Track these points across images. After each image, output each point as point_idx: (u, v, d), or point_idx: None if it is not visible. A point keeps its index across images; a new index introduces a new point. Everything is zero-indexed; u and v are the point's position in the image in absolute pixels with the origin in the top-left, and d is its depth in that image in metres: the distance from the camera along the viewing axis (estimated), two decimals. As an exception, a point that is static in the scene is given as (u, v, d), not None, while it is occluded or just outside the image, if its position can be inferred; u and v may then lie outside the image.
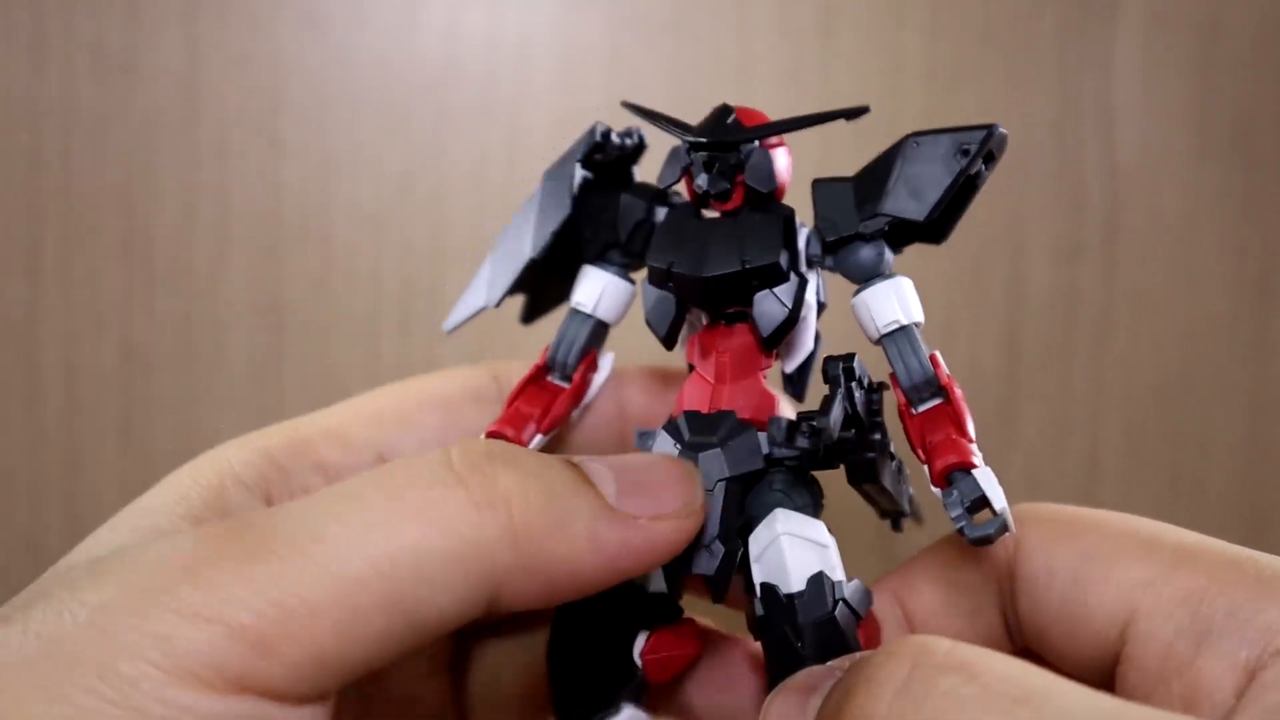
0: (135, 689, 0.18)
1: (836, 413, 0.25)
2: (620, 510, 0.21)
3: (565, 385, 0.29)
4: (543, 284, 0.32)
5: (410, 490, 0.20)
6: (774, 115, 0.28)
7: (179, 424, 0.53)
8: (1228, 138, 0.56)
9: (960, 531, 0.24)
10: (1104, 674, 0.24)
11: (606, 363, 0.31)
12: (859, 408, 0.26)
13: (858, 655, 0.22)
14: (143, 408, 0.54)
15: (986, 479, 0.24)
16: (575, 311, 0.30)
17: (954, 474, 0.24)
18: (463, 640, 0.31)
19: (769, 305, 0.26)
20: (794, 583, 0.24)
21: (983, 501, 0.24)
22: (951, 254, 0.56)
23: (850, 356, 0.26)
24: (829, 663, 0.23)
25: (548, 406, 0.29)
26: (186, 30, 0.53)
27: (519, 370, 0.30)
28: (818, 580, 0.24)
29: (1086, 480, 0.57)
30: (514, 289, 0.30)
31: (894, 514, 0.30)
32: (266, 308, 0.54)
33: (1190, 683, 0.21)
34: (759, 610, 0.25)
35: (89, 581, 0.19)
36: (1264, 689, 0.20)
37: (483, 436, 0.27)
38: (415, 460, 0.21)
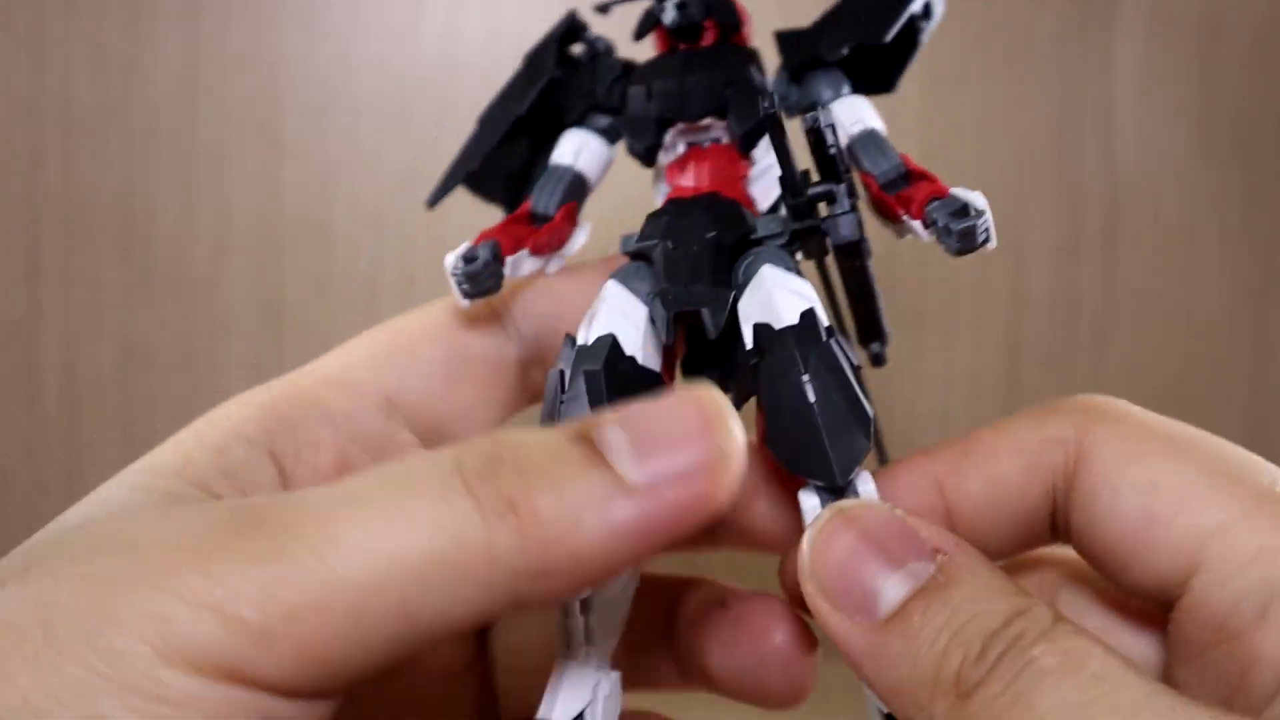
0: (128, 665, 0.17)
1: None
2: (638, 484, 0.19)
3: None
4: (518, 197, 0.32)
5: (419, 497, 0.19)
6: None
7: (179, 424, 0.53)
8: (1228, 138, 0.56)
9: (946, 230, 0.24)
10: (1157, 604, 0.22)
11: (585, 229, 0.31)
12: (837, 155, 0.25)
13: (930, 545, 0.20)
14: (143, 408, 0.54)
15: (964, 192, 0.25)
16: (554, 165, 0.31)
17: (931, 202, 0.25)
18: None
19: (746, 104, 0.27)
20: (786, 319, 0.24)
21: (965, 210, 0.25)
22: (951, 256, 0.56)
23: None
24: (894, 510, 0.21)
25: (532, 234, 0.29)
26: (186, 30, 0.53)
27: (508, 295, 0.30)
28: (810, 314, 0.24)
29: (1086, 481, 0.57)
30: (495, 174, 0.31)
31: (875, 330, 0.30)
32: (266, 308, 0.54)
33: (1249, 650, 0.20)
34: (752, 355, 0.24)
35: (89, 555, 0.19)
36: None
37: (468, 242, 0.28)
38: (422, 463, 0.20)
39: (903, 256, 0.53)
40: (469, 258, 0.27)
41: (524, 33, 0.55)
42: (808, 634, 0.27)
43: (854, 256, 0.27)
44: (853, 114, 0.28)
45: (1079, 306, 0.56)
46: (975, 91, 0.55)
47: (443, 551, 0.19)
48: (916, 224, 0.26)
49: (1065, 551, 0.25)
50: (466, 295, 0.27)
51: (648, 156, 0.29)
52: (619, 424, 0.20)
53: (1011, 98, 0.55)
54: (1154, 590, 0.22)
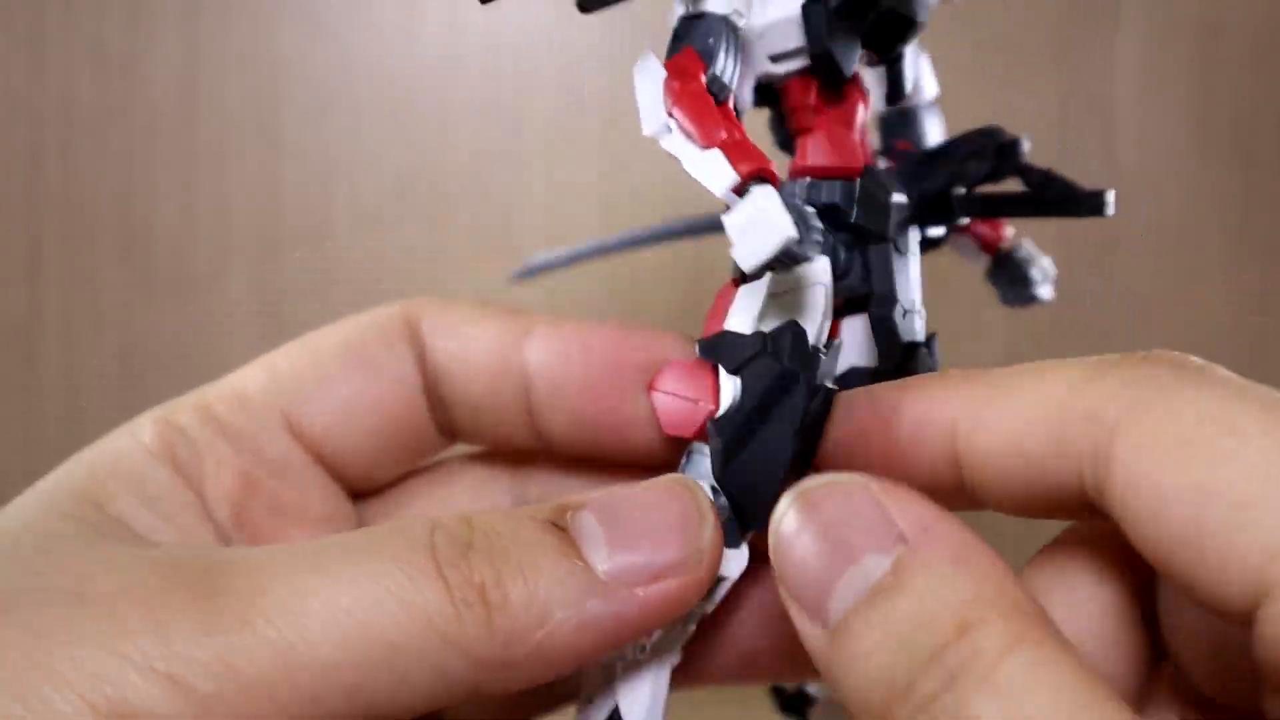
0: None
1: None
2: (611, 581, 0.19)
3: None
4: None
5: (388, 575, 0.18)
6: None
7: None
8: (1228, 139, 0.56)
9: (1027, 282, 0.25)
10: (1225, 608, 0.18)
11: None
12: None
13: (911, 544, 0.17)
14: (143, 408, 0.54)
15: (1035, 250, 0.26)
16: (720, 19, 0.22)
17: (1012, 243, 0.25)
18: None
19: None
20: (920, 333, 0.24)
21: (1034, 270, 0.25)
22: (951, 255, 0.56)
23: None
24: (867, 485, 0.18)
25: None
26: (186, 30, 0.53)
27: (432, 308, 0.27)
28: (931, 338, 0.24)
29: (1086, 481, 0.57)
30: None
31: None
32: (266, 308, 0.54)
33: None
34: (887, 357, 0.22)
35: (32, 604, 0.18)
36: None
37: (743, 182, 0.20)
38: (391, 536, 0.19)
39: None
40: (805, 234, 0.20)
41: (524, 32, 0.55)
42: None
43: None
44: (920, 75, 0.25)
45: (1079, 307, 0.56)
46: (975, 91, 0.55)
47: (408, 636, 0.18)
48: (972, 244, 0.24)
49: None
50: (767, 269, 0.20)
51: (836, 78, 0.22)
52: (596, 511, 0.20)
53: (1012, 97, 0.55)
54: (1212, 605, 0.18)
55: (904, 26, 0.23)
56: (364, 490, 0.26)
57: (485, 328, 0.26)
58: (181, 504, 0.23)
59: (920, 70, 0.25)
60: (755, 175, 0.19)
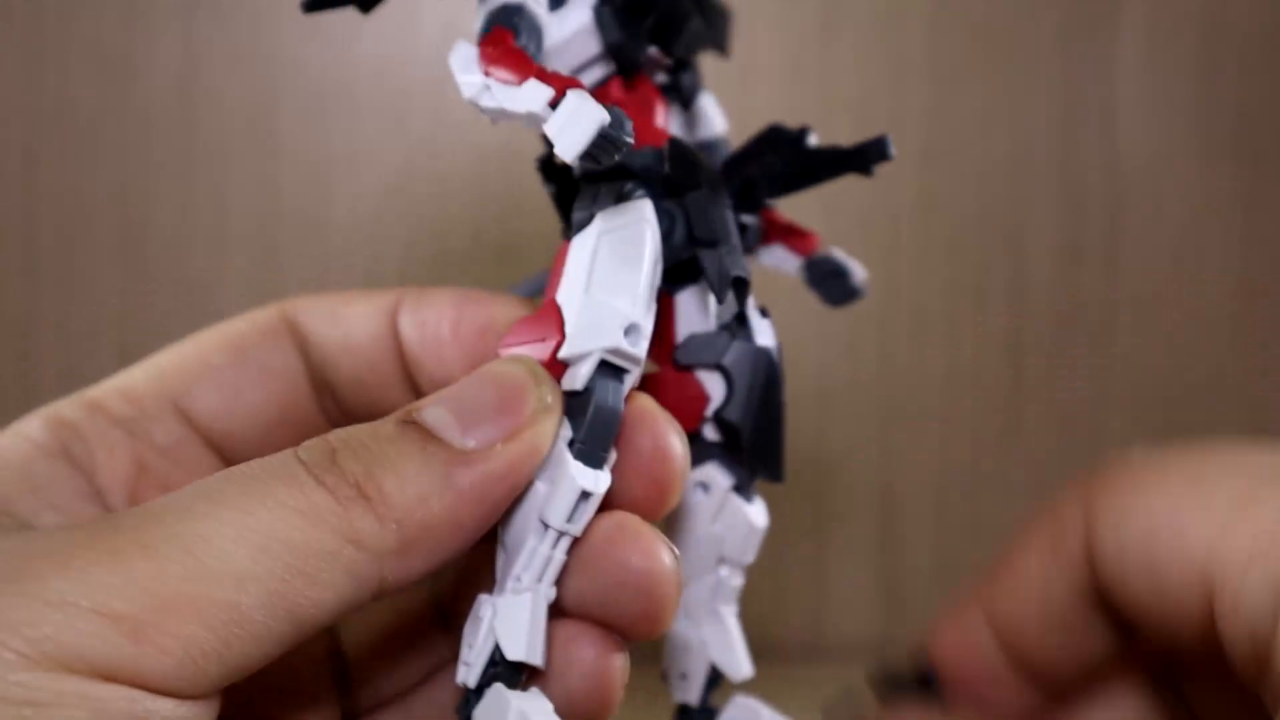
0: None
1: None
2: (471, 449, 0.21)
3: None
4: None
5: (274, 490, 0.20)
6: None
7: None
8: (1230, 136, 0.56)
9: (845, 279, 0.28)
10: (1208, 643, 0.21)
11: None
12: None
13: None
14: (140, 409, 0.54)
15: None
16: (517, 6, 0.24)
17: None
18: None
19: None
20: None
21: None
22: (953, 256, 0.56)
23: None
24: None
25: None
26: (184, 29, 0.53)
27: (305, 301, 0.28)
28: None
29: (1089, 482, 0.57)
30: None
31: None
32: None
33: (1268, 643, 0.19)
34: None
35: None
36: None
37: (587, 98, 0.21)
38: (263, 462, 0.20)
39: (903, 254, 0.53)
40: (619, 123, 0.21)
41: (524, 32, 0.55)
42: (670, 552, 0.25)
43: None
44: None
45: (1081, 308, 0.56)
46: (977, 90, 0.55)
47: (310, 537, 0.19)
48: (784, 252, 0.28)
49: None
50: (591, 159, 0.21)
51: (631, 66, 0.24)
52: (442, 401, 0.22)
53: (1014, 96, 0.55)
54: (1191, 631, 0.21)
55: (680, 21, 0.25)
56: None
57: (359, 308, 0.27)
58: (71, 491, 0.23)
59: (708, 104, 0.28)
60: (568, 89, 0.21)
